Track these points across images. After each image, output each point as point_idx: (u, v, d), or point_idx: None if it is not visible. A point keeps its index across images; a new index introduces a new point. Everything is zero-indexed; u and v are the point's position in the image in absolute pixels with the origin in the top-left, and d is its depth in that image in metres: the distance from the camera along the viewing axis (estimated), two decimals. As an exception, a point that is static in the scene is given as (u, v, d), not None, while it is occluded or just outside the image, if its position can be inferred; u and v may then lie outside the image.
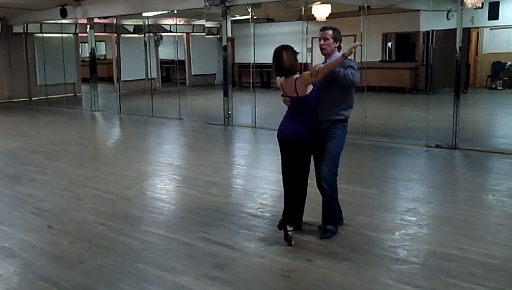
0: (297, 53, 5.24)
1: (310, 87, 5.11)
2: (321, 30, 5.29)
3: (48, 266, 4.76)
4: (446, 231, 5.45)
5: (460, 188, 7.33)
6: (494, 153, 9.06)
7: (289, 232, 5.10)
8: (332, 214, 5.34)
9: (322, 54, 5.29)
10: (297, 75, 5.11)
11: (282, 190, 5.43)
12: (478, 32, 19.42)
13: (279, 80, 5.26)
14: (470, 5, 12.53)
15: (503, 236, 5.31)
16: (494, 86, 19.05)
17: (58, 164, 9.08)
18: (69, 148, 10.58)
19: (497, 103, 17.00)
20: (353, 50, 5.06)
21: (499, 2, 17.52)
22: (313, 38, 15.14)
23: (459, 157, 9.19)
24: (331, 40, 5.22)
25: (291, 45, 5.25)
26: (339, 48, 5.29)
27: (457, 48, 9.65)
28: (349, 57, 5.08)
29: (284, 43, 5.26)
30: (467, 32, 16.25)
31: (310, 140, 5.21)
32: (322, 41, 5.23)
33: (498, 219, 5.85)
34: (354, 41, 13.68)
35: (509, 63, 18.91)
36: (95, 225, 5.79)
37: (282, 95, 5.29)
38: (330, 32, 5.24)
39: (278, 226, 5.23)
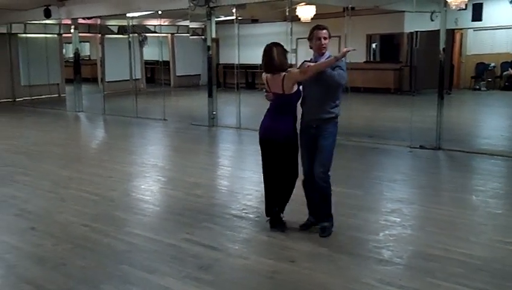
0: (287, 51, 5.34)
1: (295, 87, 5.20)
2: (318, 29, 5.26)
3: (31, 268, 4.72)
4: (430, 231, 5.49)
5: (444, 189, 7.39)
6: (477, 154, 9.12)
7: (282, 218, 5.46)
8: (327, 211, 5.38)
9: (319, 53, 5.26)
10: (285, 72, 5.18)
11: (263, 187, 5.54)
12: (462, 34, 19.57)
13: (266, 75, 5.32)
14: (453, 7, 12.63)
15: (487, 236, 5.35)
16: (477, 87, 19.19)
17: (42, 165, 9.00)
18: (53, 149, 10.49)
19: (481, 103, 17.14)
20: (345, 54, 5.05)
21: (482, 4, 17.69)
22: (297, 39, 15.18)
23: (443, 158, 9.25)
24: (328, 39, 5.27)
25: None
26: None
27: (441, 49, 9.69)
28: None
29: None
30: (450, 33, 16.39)
31: (289, 139, 5.30)
32: (323, 40, 5.22)
33: (481, 219, 5.90)
34: (339, 43, 13.83)
35: (492, 64, 19.06)
36: (78, 226, 5.75)
37: (266, 91, 5.38)
38: (326, 31, 5.27)
39: (270, 226, 5.48)
